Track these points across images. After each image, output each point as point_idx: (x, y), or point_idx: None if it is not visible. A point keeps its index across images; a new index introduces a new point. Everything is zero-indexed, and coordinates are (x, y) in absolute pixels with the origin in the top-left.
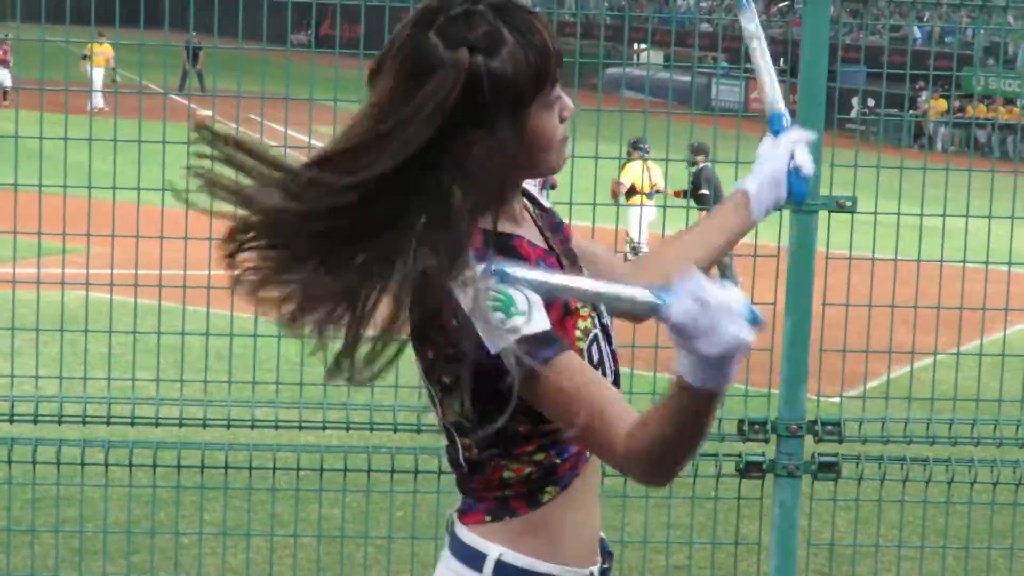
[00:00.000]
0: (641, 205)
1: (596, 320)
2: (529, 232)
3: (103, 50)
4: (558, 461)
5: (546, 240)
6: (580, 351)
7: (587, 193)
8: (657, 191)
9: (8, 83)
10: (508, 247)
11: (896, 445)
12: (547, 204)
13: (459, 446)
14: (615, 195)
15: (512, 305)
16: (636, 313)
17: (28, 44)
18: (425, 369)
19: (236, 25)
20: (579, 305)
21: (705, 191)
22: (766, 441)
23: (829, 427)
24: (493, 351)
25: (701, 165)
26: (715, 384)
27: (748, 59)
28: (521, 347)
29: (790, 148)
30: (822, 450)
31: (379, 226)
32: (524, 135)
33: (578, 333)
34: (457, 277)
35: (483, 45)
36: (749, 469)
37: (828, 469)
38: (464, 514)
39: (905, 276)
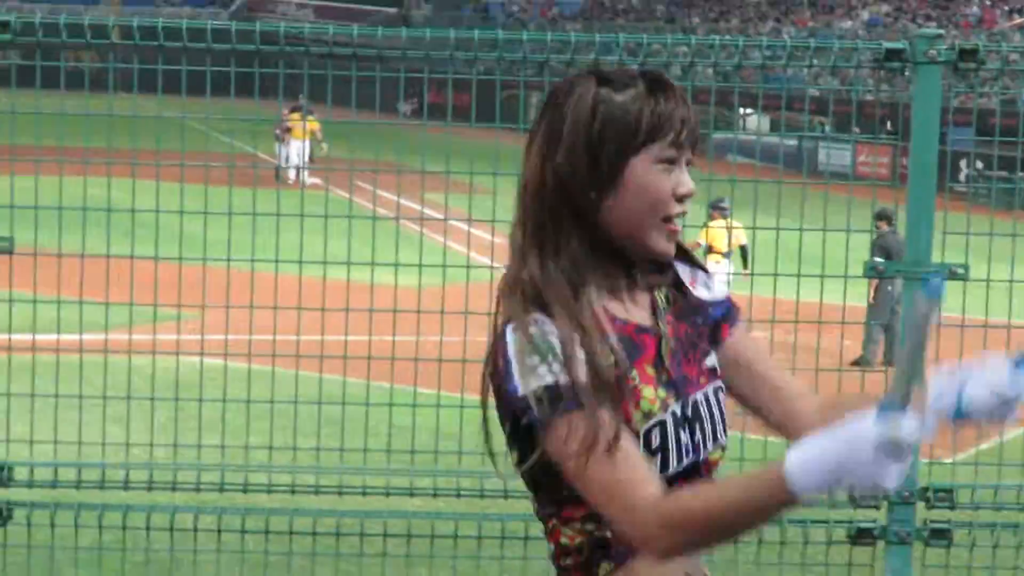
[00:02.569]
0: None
1: (672, 408)
2: (621, 308)
3: (306, 123)
4: (608, 535)
5: (655, 318)
6: (636, 433)
7: None
8: (741, 247)
9: (292, 160)
10: None
11: (1009, 511)
12: (708, 291)
13: (533, 503)
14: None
15: (551, 352)
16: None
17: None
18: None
19: (350, 95)
20: (636, 383)
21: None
22: (877, 508)
23: (941, 493)
24: (519, 392)
25: (884, 229)
26: (815, 496)
27: (856, 123)
28: (545, 394)
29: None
30: (934, 516)
31: None
32: (625, 179)
33: (636, 415)
34: (512, 319)
35: (614, 81)
36: (860, 536)
37: (940, 536)
38: None
39: (1019, 340)
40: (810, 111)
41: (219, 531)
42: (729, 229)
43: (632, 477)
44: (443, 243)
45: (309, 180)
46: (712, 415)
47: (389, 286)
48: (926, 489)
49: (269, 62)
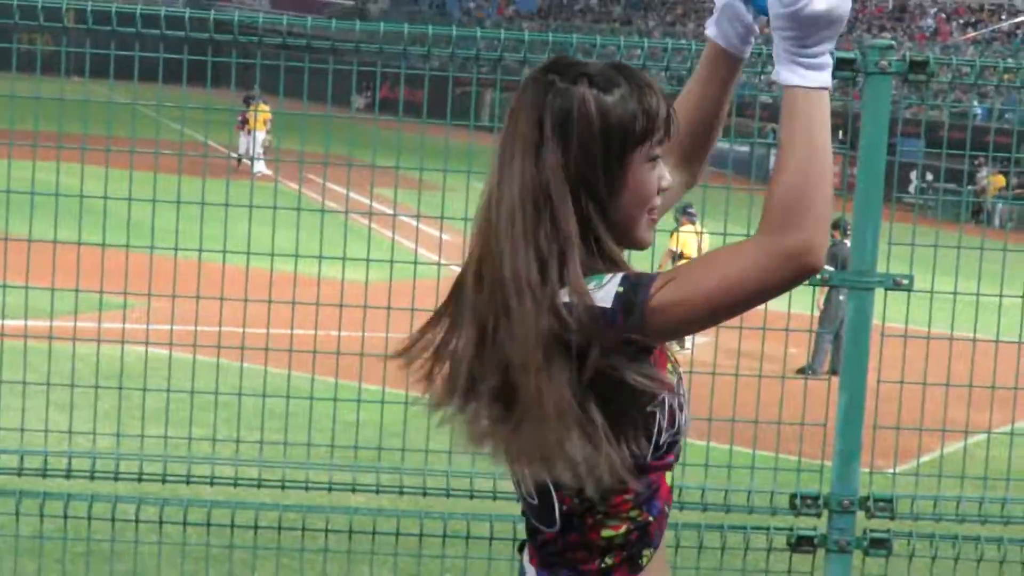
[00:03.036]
0: None
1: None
2: None
3: (263, 112)
4: (651, 519)
5: None
6: (672, 384)
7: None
8: None
9: (244, 149)
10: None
11: (949, 523)
12: None
13: (555, 500)
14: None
15: (601, 277)
16: None
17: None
18: None
19: (301, 87)
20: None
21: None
22: (818, 516)
23: (882, 503)
24: (609, 304)
25: (836, 239)
26: (822, 54)
27: None
28: (628, 287)
29: None
30: (874, 526)
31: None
32: (624, 180)
33: (668, 366)
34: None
35: (600, 81)
36: (800, 543)
37: (879, 545)
38: None
39: (961, 352)
40: (762, 118)
41: (161, 522)
42: (699, 234)
43: (727, 255)
44: (391, 238)
45: (265, 171)
46: None
47: (337, 280)
48: (866, 498)
49: (223, 51)
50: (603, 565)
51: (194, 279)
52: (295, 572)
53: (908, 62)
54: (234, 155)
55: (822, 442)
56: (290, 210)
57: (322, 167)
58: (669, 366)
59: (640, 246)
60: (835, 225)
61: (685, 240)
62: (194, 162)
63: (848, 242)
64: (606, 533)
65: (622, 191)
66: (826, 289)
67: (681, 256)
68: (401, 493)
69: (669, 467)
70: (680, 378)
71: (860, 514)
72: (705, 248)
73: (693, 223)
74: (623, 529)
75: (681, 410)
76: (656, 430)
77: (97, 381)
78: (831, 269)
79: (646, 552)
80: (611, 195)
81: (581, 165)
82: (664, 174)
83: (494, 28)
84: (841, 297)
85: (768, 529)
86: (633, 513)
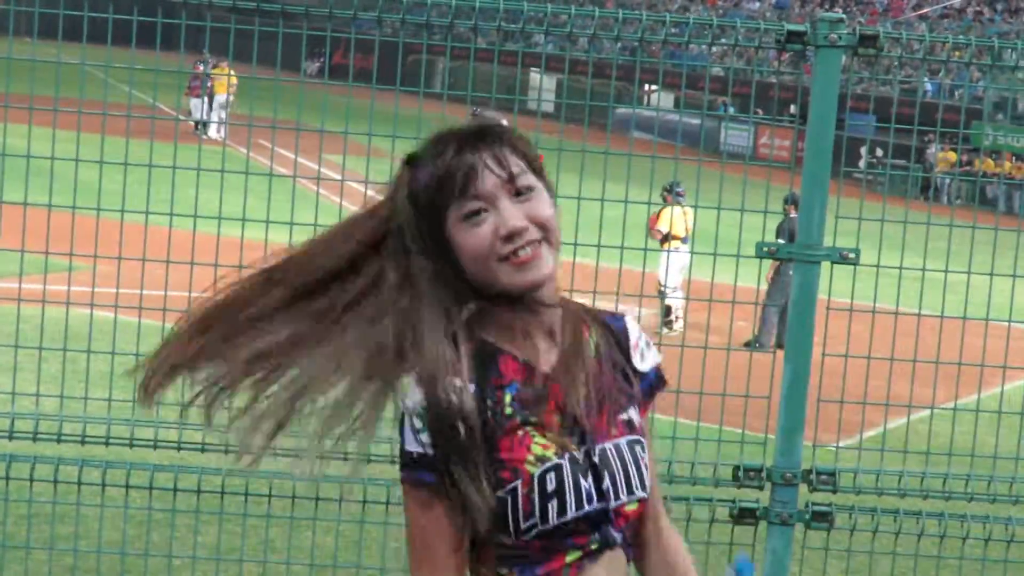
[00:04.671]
0: (669, 251)
1: (572, 453)
2: (529, 351)
3: (224, 74)
4: None
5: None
6: (531, 476)
7: (614, 235)
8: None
9: (198, 115)
10: (489, 356)
11: (890, 497)
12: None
13: None
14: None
15: (418, 417)
16: None
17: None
18: None
19: (251, 52)
20: (529, 430)
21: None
22: (761, 488)
23: (824, 476)
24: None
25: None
26: None
27: (758, 105)
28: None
29: None
30: (816, 499)
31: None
32: (452, 243)
33: (529, 457)
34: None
35: (419, 160)
36: (742, 515)
37: (821, 518)
38: None
39: (906, 327)
40: (713, 91)
41: (103, 485)
42: (686, 213)
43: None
44: (339, 204)
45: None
46: (625, 466)
47: (284, 245)
48: (809, 471)
49: (174, 13)
50: None
51: (140, 242)
52: (237, 537)
53: (858, 36)
54: (189, 119)
55: (766, 415)
56: (239, 174)
57: (271, 132)
58: (538, 452)
59: (513, 291)
60: (790, 200)
61: (672, 220)
62: (143, 125)
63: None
64: (483, 571)
65: (455, 254)
66: (776, 263)
67: (669, 236)
68: (344, 459)
69: (562, 549)
70: (559, 467)
71: (802, 487)
72: (690, 227)
73: (679, 203)
74: (502, 572)
75: (552, 499)
76: (512, 513)
77: (41, 343)
78: (782, 242)
79: None
80: (449, 260)
81: (413, 243)
82: (504, 220)
83: None
84: (791, 272)
85: (711, 500)
86: (502, 570)
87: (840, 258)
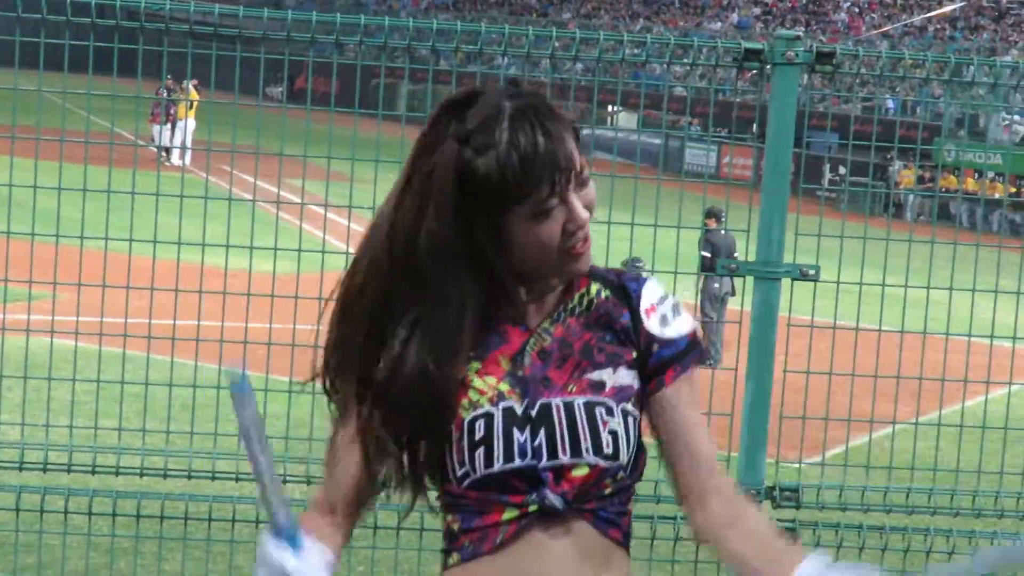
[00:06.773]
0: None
1: (508, 403)
2: (510, 307)
3: (185, 100)
4: (455, 528)
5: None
6: (462, 420)
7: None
8: None
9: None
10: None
11: (853, 513)
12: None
13: None
14: None
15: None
16: None
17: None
18: None
19: (210, 77)
20: (468, 374)
21: (705, 254)
22: None
23: (787, 493)
24: None
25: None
26: None
27: (722, 124)
28: None
29: None
30: (780, 516)
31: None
32: (506, 239)
33: (464, 401)
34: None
35: (477, 141)
36: None
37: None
38: None
39: (867, 343)
40: (675, 111)
41: (66, 512)
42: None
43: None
44: (299, 227)
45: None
46: (573, 425)
47: (244, 271)
48: (772, 488)
49: (131, 38)
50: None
51: (100, 269)
52: (202, 563)
53: (815, 53)
54: (151, 146)
55: (728, 432)
56: (198, 199)
57: (231, 156)
58: (473, 398)
59: (572, 278)
60: (710, 214)
61: None
62: (103, 151)
63: (727, 231)
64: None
65: (504, 248)
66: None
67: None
68: (308, 484)
69: (499, 504)
70: (489, 415)
71: (766, 504)
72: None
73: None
74: (444, 526)
75: (479, 447)
76: (448, 458)
77: (1, 371)
78: (707, 255)
79: (453, 555)
80: (489, 252)
81: (443, 228)
82: (573, 216)
83: (408, 18)
84: (716, 285)
85: (675, 518)
86: (448, 516)
87: (800, 275)
